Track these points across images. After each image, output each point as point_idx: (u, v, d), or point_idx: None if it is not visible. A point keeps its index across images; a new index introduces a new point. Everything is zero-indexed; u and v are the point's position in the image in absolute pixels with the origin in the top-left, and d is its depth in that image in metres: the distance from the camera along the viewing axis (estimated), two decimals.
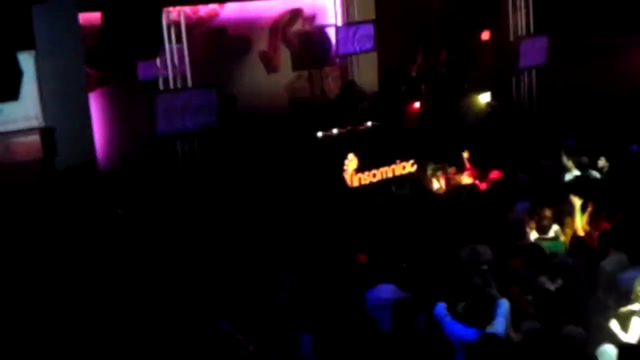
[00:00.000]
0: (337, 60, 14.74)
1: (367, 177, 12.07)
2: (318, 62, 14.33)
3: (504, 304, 6.66)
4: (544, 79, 15.04)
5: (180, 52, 11.42)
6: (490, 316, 6.53)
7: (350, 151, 11.96)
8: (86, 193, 10.12)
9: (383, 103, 14.19)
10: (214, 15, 13.58)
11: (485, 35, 15.03)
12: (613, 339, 6.53)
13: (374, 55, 15.00)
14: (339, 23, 14.71)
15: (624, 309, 6.79)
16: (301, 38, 14.33)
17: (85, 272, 9.45)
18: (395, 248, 9.25)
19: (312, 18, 14.90)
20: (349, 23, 14.49)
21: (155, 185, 11.09)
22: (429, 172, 12.09)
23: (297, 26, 14.73)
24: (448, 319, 6.65)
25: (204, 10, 13.36)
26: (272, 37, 14.55)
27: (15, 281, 9.04)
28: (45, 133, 9.92)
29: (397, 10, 14.69)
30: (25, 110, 9.86)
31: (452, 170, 12.04)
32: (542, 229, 8.92)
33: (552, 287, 7.46)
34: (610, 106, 13.99)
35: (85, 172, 10.28)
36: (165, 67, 11.16)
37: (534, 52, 14.32)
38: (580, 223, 8.96)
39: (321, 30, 14.69)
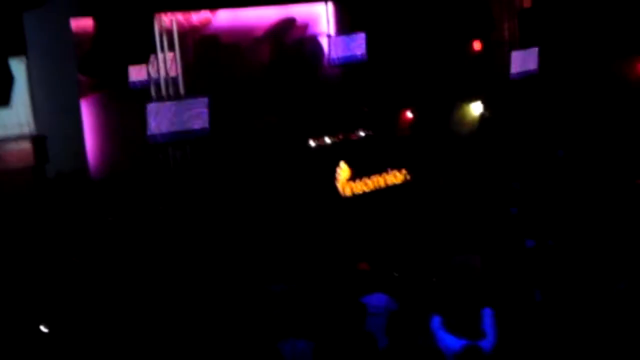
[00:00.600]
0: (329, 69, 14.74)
1: (359, 186, 12.08)
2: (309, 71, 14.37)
3: (489, 313, 6.65)
4: (534, 89, 15.10)
5: (173, 59, 11.36)
6: (480, 327, 6.53)
7: (342, 160, 11.96)
8: (77, 200, 10.08)
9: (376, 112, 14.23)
10: (206, 23, 13.56)
11: (477, 46, 15.07)
12: None
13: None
14: (332, 32, 14.71)
15: None
16: (293, 47, 14.36)
17: (76, 278, 9.41)
18: (389, 256, 9.25)
19: (305, 27, 14.90)
20: (341, 32, 14.49)
21: (146, 192, 11.05)
22: None
23: (290, 35, 14.73)
24: (441, 332, 6.64)
25: (196, 17, 13.34)
26: (264, 46, 14.53)
27: (6, 287, 8.99)
28: (37, 140, 9.88)
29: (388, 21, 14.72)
30: (17, 117, 9.82)
31: None
32: None
33: None
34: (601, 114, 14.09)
35: (77, 179, 10.24)
36: (157, 74, 11.11)
37: (525, 62, 14.36)
38: None
39: (313, 39, 14.73)
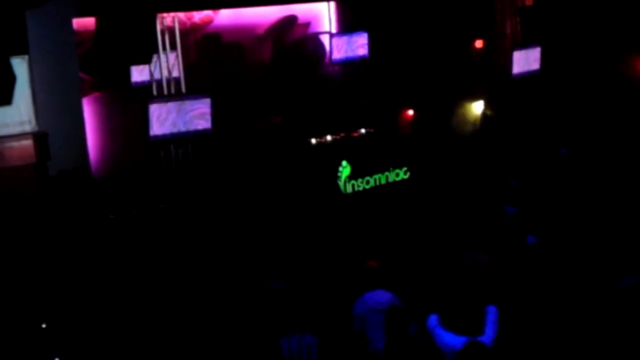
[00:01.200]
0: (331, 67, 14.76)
1: (360, 184, 12.09)
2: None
3: (493, 310, 6.67)
4: (536, 87, 15.09)
5: (174, 58, 11.38)
6: (482, 324, 6.54)
7: (343, 158, 11.97)
8: (79, 198, 10.10)
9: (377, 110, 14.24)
10: (208, 22, 13.59)
11: (479, 44, 15.06)
12: None
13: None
14: (333, 30, 14.73)
15: None
16: (295, 45, 14.39)
17: (77, 276, 9.43)
18: (392, 254, 9.27)
19: (307, 25, 14.92)
20: (343, 31, 14.51)
21: (148, 191, 11.07)
22: None
23: (291, 33, 14.75)
24: (439, 330, 6.66)
25: (198, 16, 13.37)
26: (266, 44, 14.55)
27: (8, 285, 9.02)
28: (39, 138, 9.89)
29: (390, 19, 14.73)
30: (19, 115, 9.83)
31: None
32: None
33: None
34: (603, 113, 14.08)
35: (79, 177, 10.25)
36: (159, 73, 11.13)
37: (527, 61, 14.35)
38: None
39: (315, 38, 14.75)
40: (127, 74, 11.27)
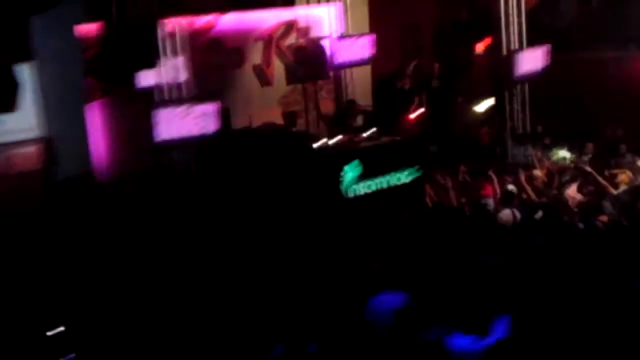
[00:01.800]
0: (332, 72, 14.77)
1: (364, 188, 12.09)
2: (313, 75, 14.40)
3: (505, 318, 6.69)
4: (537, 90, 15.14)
5: (179, 63, 11.40)
6: (490, 325, 6.56)
7: (347, 162, 11.97)
8: (85, 203, 10.12)
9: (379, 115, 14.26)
10: (209, 27, 13.60)
11: (480, 47, 15.11)
12: None
13: (367, 69, 15.10)
14: (334, 35, 14.75)
15: None
16: (296, 50, 14.39)
17: (84, 282, 9.44)
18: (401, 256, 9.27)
19: (307, 30, 14.94)
20: (344, 35, 14.53)
21: (154, 196, 11.08)
22: None
23: (292, 38, 14.77)
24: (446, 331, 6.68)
25: (200, 22, 13.38)
26: (266, 49, 14.57)
27: (14, 290, 9.02)
28: (45, 144, 9.92)
29: (391, 23, 14.78)
30: (25, 121, 9.88)
31: None
32: None
33: None
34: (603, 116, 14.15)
35: (85, 183, 10.27)
36: (164, 79, 11.15)
37: (528, 63, 14.39)
38: None
39: (316, 43, 14.75)
40: (133, 80, 11.28)
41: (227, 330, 8.46)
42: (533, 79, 14.47)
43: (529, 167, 12.65)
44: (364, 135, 12.82)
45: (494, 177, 11.03)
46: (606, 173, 10.99)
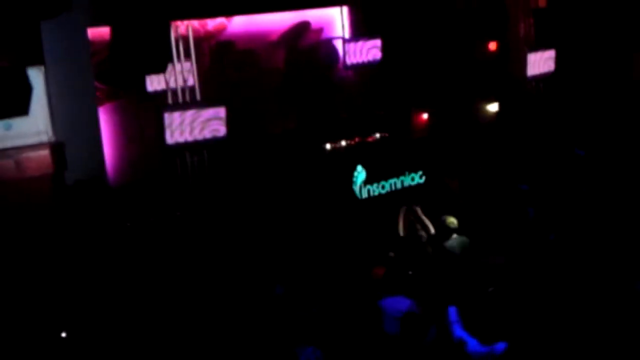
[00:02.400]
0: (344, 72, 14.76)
1: (376, 189, 12.08)
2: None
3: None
4: (551, 89, 15.05)
5: (189, 65, 11.41)
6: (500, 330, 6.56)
7: (358, 163, 11.96)
8: (96, 206, 10.15)
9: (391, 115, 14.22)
10: (221, 29, 13.63)
11: (493, 46, 15.04)
12: None
13: None
14: (347, 36, 14.74)
15: None
16: (308, 51, 14.40)
17: (96, 285, 9.48)
18: (406, 258, 9.26)
19: (320, 31, 14.93)
20: (356, 36, 14.51)
21: (164, 199, 11.11)
22: None
23: (305, 39, 14.76)
24: (457, 327, 6.66)
25: (211, 24, 13.41)
26: (280, 50, 14.57)
27: (26, 294, 9.08)
28: (55, 148, 9.95)
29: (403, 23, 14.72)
30: (35, 126, 9.89)
31: None
32: None
33: None
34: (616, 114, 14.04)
35: (95, 186, 10.30)
36: (174, 81, 11.17)
37: (541, 62, 14.33)
38: None
39: (328, 43, 14.75)
40: (143, 83, 11.31)
41: (230, 330, 8.50)
42: None
43: None
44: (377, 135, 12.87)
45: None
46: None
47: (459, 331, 6.68)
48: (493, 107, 14.73)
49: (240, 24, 13.74)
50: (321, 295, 8.92)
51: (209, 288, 9.78)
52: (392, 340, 7.40)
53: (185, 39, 11.37)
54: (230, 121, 11.00)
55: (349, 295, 8.92)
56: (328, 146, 12.95)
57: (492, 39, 14.95)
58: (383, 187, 12.17)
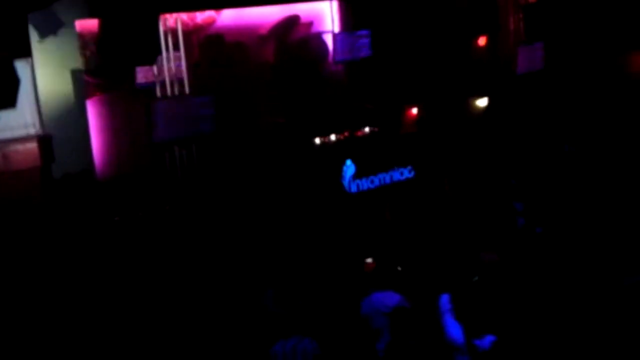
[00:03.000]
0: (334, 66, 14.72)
1: (365, 183, 12.08)
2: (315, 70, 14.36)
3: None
4: (540, 84, 15.07)
5: (178, 58, 11.35)
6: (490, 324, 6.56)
7: (348, 157, 11.96)
8: (84, 200, 10.10)
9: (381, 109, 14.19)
10: (211, 22, 13.55)
11: (482, 41, 15.04)
12: None
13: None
14: (336, 30, 14.70)
15: None
16: (298, 45, 14.34)
17: (83, 279, 9.44)
18: (395, 253, 9.27)
19: (309, 25, 14.89)
20: (346, 30, 14.47)
21: (153, 193, 11.07)
22: None
23: (294, 33, 14.71)
24: (448, 317, 6.68)
25: (201, 17, 13.34)
26: (269, 44, 14.52)
27: (13, 288, 9.02)
28: (43, 141, 9.88)
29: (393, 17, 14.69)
30: (23, 118, 9.82)
31: None
32: None
33: None
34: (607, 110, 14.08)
35: (83, 180, 10.24)
36: (163, 74, 11.11)
37: (531, 58, 14.35)
38: None
39: (318, 37, 14.70)
40: (132, 76, 11.25)
41: (220, 325, 8.48)
42: None
43: None
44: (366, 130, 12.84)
45: None
46: None
47: (450, 321, 6.68)
48: (482, 102, 14.76)
49: (229, 17, 13.67)
50: (311, 289, 8.92)
51: (199, 283, 9.75)
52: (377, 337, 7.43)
53: (174, 32, 11.31)
54: (219, 115, 10.95)
55: (339, 289, 8.93)
56: (317, 140, 12.91)
57: (482, 34, 14.95)
58: (372, 182, 12.17)
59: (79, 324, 8.97)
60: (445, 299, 6.88)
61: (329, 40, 14.43)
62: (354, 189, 11.98)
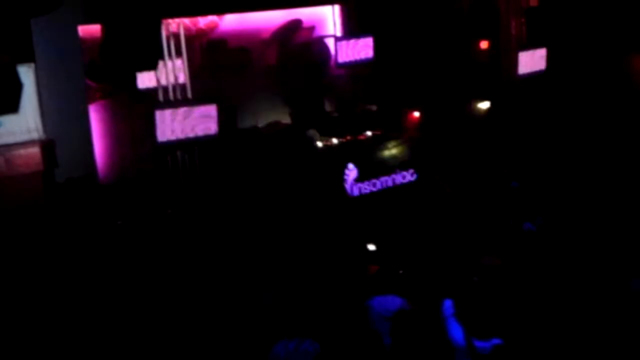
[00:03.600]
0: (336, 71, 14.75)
1: (367, 187, 12.10)
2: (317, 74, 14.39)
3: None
4: (542, 88, 15.09)
5: (180, 63, 11.39)
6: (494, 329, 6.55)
7: (350, 161, 11.98)
8: (86, 204, 10.13)
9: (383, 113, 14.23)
10: (213, 27, 13.61)
11: (484, 45, 15.06)
12: None
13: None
14: (338, 34, 14.73)
15: None
16: (300, 49, 14.39)
17: (86, 283, 9.46)
18: (397, 257, 9.27)
19: (312, 29, 14.93)
20: (348, 34, 14.51)
21: (155, 197, 11.09)
22: None
23: (296, 37, 14.76)
24: (452, 320, 6.67)
25: (203, 21, 13.38)
26: (272, 48, 14.56)
27: (17, 292, 9.05)
28: (46, 145, 9.90)
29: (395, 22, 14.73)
30: (26, 123, 9.83)
31: None
32: None
33: None
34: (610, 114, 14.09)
35: (86, 184, 10.28)
36: (165, 79, 11.15)
37: (532, 62, 14.36)
38: None
39: (320, 42, 14.74)
40: (134, 81, 11.27)
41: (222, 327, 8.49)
42: None
43: None
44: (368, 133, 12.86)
45: None
46: None
47: (453, 325, 6.67)
48: (484, 106, 14.77)
49: (232, 21, 13.73)
50: (313, 292, 8.92)
51: (201, 285, 9.77)
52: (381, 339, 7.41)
53: (177, 36, 11.34)
54: (221, 119, 10.98)
55: (341, 292, 8.93)
56: (320, 144, 12.95)
57: (484, 38, 14.97)
58: (375, 185, 12.19)
59: (82, 327, 8.98)
60: (448, 304, 6.87)
61: (331, 44, 14.48)
62: (355, 192, 11.99)
